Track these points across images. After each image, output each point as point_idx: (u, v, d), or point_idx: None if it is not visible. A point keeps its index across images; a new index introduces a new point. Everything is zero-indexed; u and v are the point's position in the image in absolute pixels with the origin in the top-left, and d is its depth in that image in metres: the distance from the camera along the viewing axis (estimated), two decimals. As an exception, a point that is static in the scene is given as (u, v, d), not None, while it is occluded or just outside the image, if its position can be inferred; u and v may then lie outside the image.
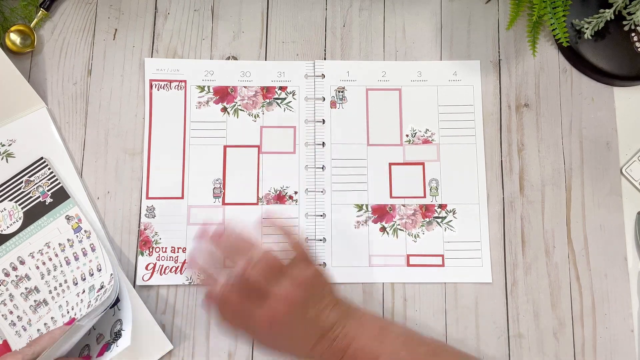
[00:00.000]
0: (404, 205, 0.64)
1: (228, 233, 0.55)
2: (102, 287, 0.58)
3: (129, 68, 0.66)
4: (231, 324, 0.52)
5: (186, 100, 0.66)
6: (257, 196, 0.64)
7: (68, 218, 0.61)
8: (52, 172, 0.62)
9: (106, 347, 0.57)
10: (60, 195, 0.61)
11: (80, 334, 0.55)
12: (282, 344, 0.52)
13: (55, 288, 0.59)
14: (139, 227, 0.63)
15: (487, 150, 0.65)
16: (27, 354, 0.51)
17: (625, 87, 0.67)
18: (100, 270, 0.59)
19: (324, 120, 0.66)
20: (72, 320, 0.57)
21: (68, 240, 0.60)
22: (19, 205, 0.61)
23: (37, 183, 0.61)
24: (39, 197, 0.61)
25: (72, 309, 0.58)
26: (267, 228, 0.63)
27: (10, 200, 0.61)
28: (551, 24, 0.62)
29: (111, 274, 0.58)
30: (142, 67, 0.66)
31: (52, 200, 0.61)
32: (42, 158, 0.62)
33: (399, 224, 0.64)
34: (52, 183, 0.62)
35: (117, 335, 0.58)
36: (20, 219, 0.60)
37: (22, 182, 0.61)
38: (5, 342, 0.58)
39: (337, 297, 0.53)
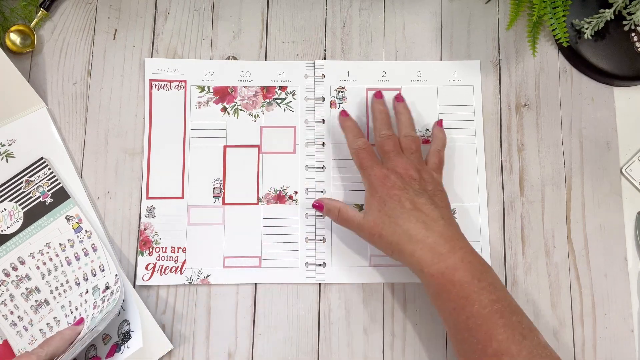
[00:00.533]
0: (404, 205, 0.64)
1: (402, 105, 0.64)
2: (107, 287, 0.58)
3: (129, 68, 0.66)
4: (360, 170, 0.59)
5: (186, 100, 0.66)
6: (257, 196, 0.64)
7: (68, 218, 0.61)
8: (52, 172, 0.62)
9: (115, 348, 0.57)
10: (61, 195, 0.61)
11: (93, 337, 0.55)
12: (385, 206, 0.56)
13: (57, 288, 0.59)
14: (139, 227, 0.63)
15: (487, 150, 0.65)
16: (41, 355, 0.51)
17: (625, 87, 0.67)
18: (103, 270, 0.59)
19: (324, 120, 0.66)
20: (80, 321, 0.57)
21: (69, 240, 0.60)
22: (19, 205, 0.61)
23: (37, 183, 0.61)
24: (39, 197, 0.61)
25: (76, 309, 0.58)
26: (267, 228, 0.63)
27: (11, 200, 0.61)
28: (551, 24, 0.62)
29: (116, 275, 0.58)
30: (142, 67, 0.66)
31: (52, 200, 0.61)
32: (42, 158, 0.62)
33: (399, 224, 0.64)
34: (52, 183, 0.62)
35: (126, 336, 0.58)
36: (20, 219, 0.60)
37: (22, 182, 0.61)
38: (5, 342, 0.58)
39: (453, 218, 0.56)
